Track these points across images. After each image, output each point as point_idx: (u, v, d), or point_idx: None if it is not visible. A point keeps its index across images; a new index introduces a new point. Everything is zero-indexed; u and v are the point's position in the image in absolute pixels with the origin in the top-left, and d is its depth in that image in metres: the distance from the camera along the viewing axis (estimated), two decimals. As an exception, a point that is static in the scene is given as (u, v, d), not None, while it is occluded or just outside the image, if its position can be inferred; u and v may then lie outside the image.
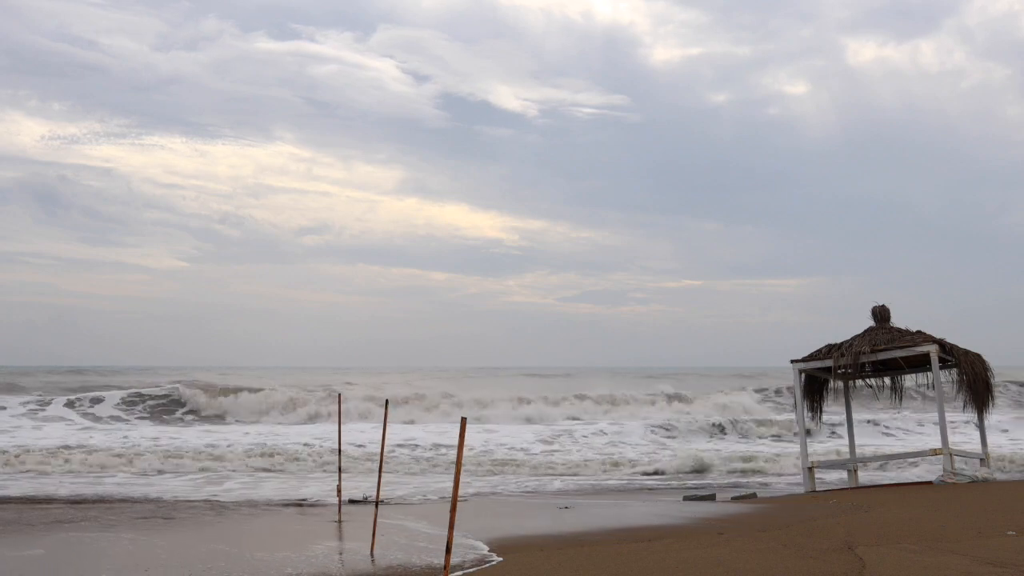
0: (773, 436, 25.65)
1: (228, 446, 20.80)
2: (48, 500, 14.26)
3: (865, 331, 15.08)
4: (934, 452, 14.58)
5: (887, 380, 16.72)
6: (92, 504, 13.70)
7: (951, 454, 14.04)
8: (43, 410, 28.59)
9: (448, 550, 4.97)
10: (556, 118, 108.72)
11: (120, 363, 76.09)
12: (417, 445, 21.95)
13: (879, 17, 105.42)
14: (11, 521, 11.63)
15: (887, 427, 26.28)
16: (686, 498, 13.94)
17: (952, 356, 14.49)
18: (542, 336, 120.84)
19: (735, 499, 13.80)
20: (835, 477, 16.94)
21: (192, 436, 23.77)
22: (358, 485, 15.08)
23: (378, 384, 44.54)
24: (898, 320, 15.19)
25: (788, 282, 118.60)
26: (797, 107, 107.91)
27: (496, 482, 17.25)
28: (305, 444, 21.04)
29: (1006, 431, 25.51)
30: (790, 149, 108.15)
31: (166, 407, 30.71)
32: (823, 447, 21.79)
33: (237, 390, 32.91)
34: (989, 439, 15.55)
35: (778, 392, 37.33)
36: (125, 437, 23.72)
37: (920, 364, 15.34)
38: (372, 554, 8.50)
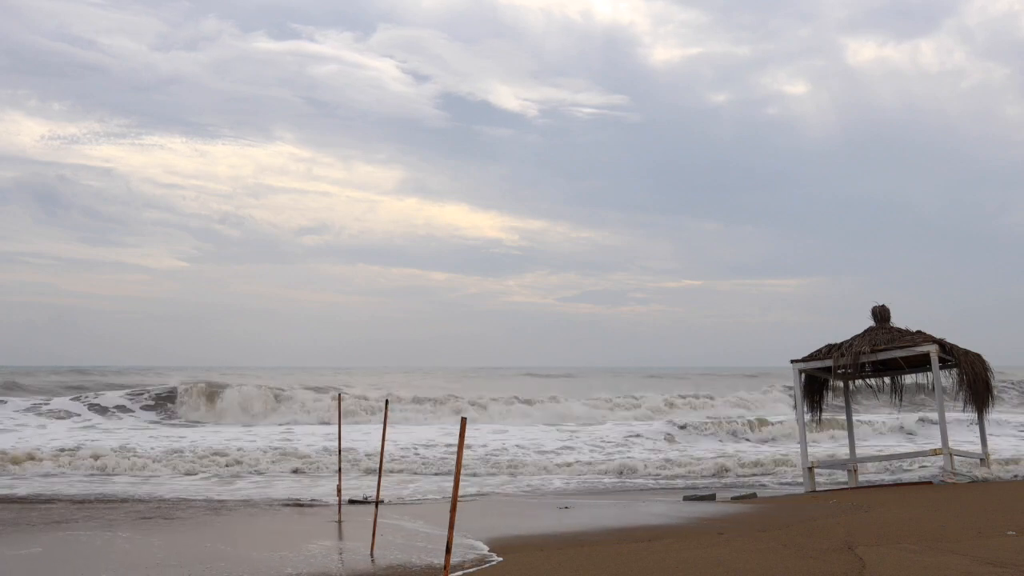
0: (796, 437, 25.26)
1: (239, 449, 20.80)
2: (50, 500, 14.26)
3: (865, 331, 15.08)
4: (934, 452, 14.58)
5: (887, 380, 16.72)
6: (93, 503, 13.70)
7: (951, 454, 14.04)
8: (45, 410, 28.59)
9: (448, 550, 4.97)
10: (556, 118, 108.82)
11: (120, 363, 76.17)
12: (434, 444, 21.91)
13: (879, 17, 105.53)
14: (10, 521, 11.64)
15: (910, 432, 25.86)
16: (686, 498, 13.94)
17: (952, 356, 14.50)
18: (542, 336, 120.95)
19: (735, 499, 13.80)
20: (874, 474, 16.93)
21: (196, 436, 23.77)
22: (380, 486, 15.06)
23: (389, 384, 44.62)
24: (898, 320, 15.20)
25: (788, 282, 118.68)
26: (797, 107, 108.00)
27: (498, 482, 17.26)
28: (324, 448, 21.05)
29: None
30: (790, 149, 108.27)
31: (169, 405, 30.66)
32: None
33: (244, 390, 33.01)
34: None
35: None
36: (129, 436, 23.74)
37: (920, 364, 15.34)
38: (372, 554, 8.50)
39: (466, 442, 21.05)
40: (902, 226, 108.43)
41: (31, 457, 18.78)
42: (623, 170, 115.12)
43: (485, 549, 8.63)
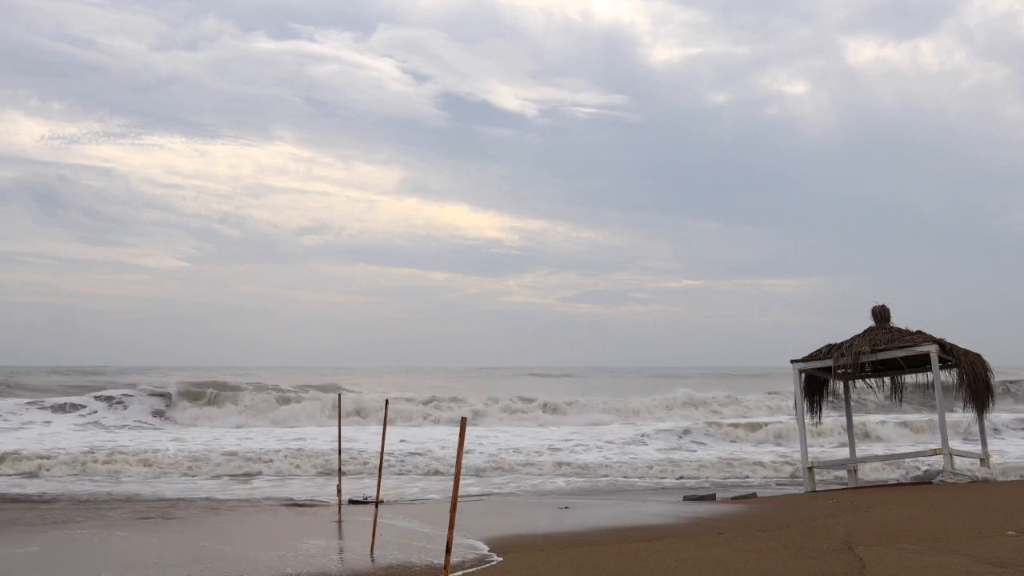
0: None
1: (258, 450, 20.77)
2: (50, 500, 14.25)
3: (865, 331, 15.08)
4: (934, 452, 14.58)
5: (887, 380, 16.72)
6: (93, 503, 13.69)
7: (951, 454, 14.04)
8: (47, 410, 28.58)
9: (448, 550, 4.97)
10: (556, 118, 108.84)
11: (120, 363, 76.17)
12: (446, 447, 21.82)
13: (879, 17, 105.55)
14: (10, 521, 11.64)
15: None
16: (686, 498, 13.94)
17: (952, 356, 14.49)
18: (542, 336, 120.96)
19: (735, 499, 13.81)
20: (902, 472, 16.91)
21: (203, 435, 23.78)
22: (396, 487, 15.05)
23: (392, 384, 44.51)
24: (898, 320, 15.20)
25: (788, 282, 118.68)
26: (797, 107, 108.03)
27: (500, 482, 17.26)
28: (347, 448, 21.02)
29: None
30: (790, 149, 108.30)
31: (174, 406, 30.57)
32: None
33: (250, 391, 32.93)
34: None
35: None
36: (140, 437, 23.74)
37: (920, 364, 15.34)
38: (372, 554, 8.50)
39: (504, 444, 21.08)
40: (902, 226, 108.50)
41: (42, 458, 18.66)
42: (623, 170, 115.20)
43: (485, 549, 8.63)
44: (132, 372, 57.02)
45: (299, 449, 20.51)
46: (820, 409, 16.35)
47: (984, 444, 15.36)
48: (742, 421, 27.07)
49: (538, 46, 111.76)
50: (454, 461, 18.75)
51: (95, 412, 28.89)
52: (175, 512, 12.50)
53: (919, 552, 7.65)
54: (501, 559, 8.07)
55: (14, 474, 17.54)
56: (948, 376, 14.93)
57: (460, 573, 7.39)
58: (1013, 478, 15.56)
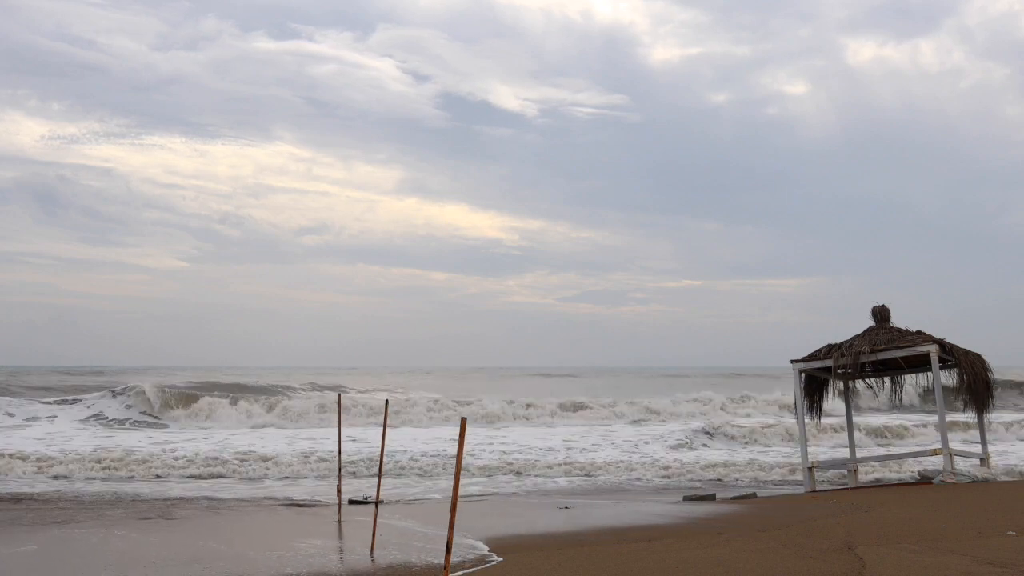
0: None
1: (270, 451, 20.71)
2: (50, 500, 14.25)
3: (865, 331, 15.08)
4: (934, 452, 14.58)
5: (887, 380, 16.72)
6: (94, 503, 13.69)
7: (951, 454, 14.04)
8: (47, 410, 28.58)
9: (448, 550, 4.97)
10: (556, 118, 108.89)
11: (120, 363, 76.18)
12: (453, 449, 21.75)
13: (879, 17, 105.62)
14: (9, 520, 11.64)
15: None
16: (686, 498, 13.94)
17: (952, 356, 14.49)
18: (542, 336, 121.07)
19: (735, 499, 13.81)
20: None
21: (219, 437, 23.75)
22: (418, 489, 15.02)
23: (397, 384, 44.40)
24: (898, 320, 15.20)
25: (788, 282, 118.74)
26: (797, 107, 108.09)
27: (505, 480, 17.26)
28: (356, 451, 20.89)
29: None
30: (790, 149, 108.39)
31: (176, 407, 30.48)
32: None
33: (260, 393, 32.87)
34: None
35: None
36: (141, 438, 23.72)
37: (920, 364, 15.35)
38: (372, 554, 8.50)
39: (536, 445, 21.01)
40: (902, 226, 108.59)
41: (40, 460, 18.66)
42: (623, 170, 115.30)
43: (485, 549, 8.63)
44: (132, 372, 57.01)
45: (310, 451, 20.42)
46: (820, 409, 16.35)
47: (984, 444, 15.36)
48: (756, 422, 26.84)
49: (538, 46, 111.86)
50: (482, 462, 18.89)
51: (93, 411, 28.86)
52: (175, 512, 12.50)
53: (919, 552, 7.65)
54: (501, 559, 8.07)
55: (10, 475, 17.53)
56: (948, 376, 14.93)
57: (460, 573, 7.39)
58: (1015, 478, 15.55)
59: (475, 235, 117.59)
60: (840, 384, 16.23)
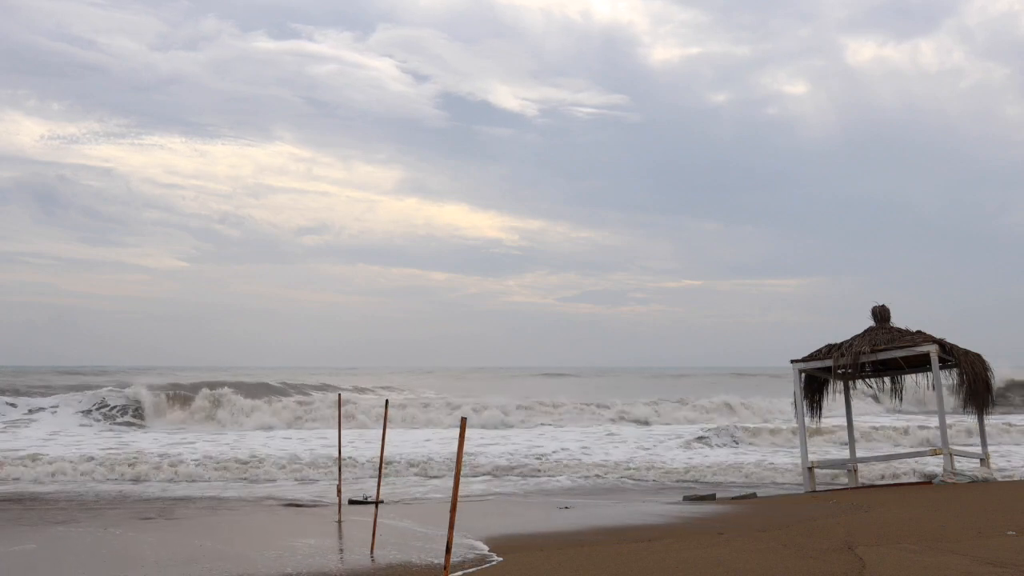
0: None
1: (276, 452, 20.65)
2: (50, 499, 14.26)
3: (865, 331, 15.08)
4: (934, 452, 14.57)
5: (887, 380, 16.71)
6: (95, 502, 13.70)
7: (951, 454, 14.03)
8: (50, 409, 28.56)
9: (448, 550, 4.97)
10: (556, 118, 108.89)
11: (120, 363, 76.19)
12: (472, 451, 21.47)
13: (878, 17, 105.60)
14: (10, 520, 11.65)
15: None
16: (686, 498, 13.94)
17: (952, 356, 14.49)
18: (542, 336, 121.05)
19: (735, 499, 13.80)
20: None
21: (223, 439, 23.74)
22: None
23: (407, 385, 44.24)
24: (898, 320, 15.19)
25: (788, 282, 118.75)
26: (797, 107, 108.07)
27: (503, 482, 17.26)
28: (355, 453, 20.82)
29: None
30: (790, 149, 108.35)
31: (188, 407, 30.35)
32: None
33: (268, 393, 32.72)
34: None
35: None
36: (146, 439, 23.72)
37: (920, 364, 15.34)
38: (372, 553, 8.51)
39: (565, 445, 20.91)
40: (902, 226, 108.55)
41: (32, 458, 18.68)
42: (623, 170, 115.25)
43: (485, 549, 8.63)
44: (132, 372, 57.02)
45: (313, 450, 20.45)
46: (820, 409, 16.34)
47: (984, 444, 15.35)
48: (766, 425, 26.64)
49: (538, 46, 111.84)
50: (487, 462, 18.88)
51: (93, 410, 28.83)
52: (175, 512, 12.50)
53: (919, 552, 7.65)
54: (501, 559, 8.07)
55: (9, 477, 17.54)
56: (948, 376, 14.92)
57: (460, 573, 7.39)
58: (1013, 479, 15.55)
59: (475, 235, 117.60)
60: (840, 384, 16.23)
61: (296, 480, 17.38)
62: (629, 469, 18.81)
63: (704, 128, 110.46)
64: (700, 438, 23.97)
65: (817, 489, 14.83)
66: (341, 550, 9.14)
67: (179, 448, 21.16)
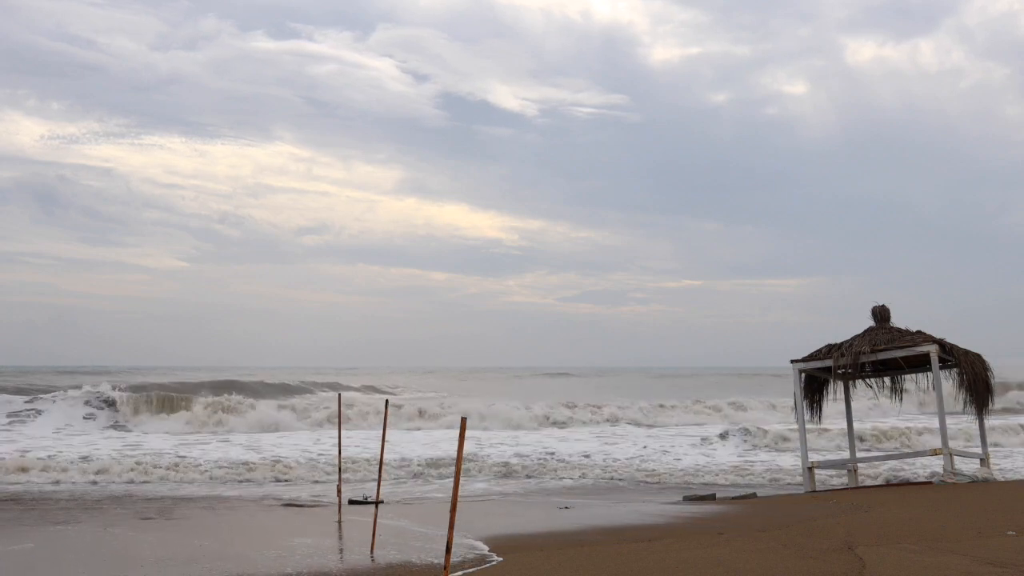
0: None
1: (285, 453, 20.61)
2: (50, 499, 14.26)
3: (865, 331, 15.07)
4: (934, 452, 14.57)
5: (887, 380, 16.71)
6: (96, 502, 13.70)
7: (951, 454, 14.03)
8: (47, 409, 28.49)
9: (448, 550, 4.97)
10: (556, 118, 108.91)
11: (120, 363, 76.18)
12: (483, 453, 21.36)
13: (878, 17, 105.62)
14: (11, 520, 11.64)
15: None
16: (686, 498, 13.94)
17: (952, 356, 14.48)
18: (542, 336, 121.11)
19: (735, 499, 13.80)
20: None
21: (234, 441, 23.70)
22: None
23: (409, 385, 43.99)
24: (898, 320, 15.19)
25: (788, 282, 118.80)
26: (796, 107, 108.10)
27: (504, 482, 17.27)
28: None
29: None
30: (790, 149, 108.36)
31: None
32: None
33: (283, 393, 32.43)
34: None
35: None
36: (153, 440, 23.68)
37: (920, 364, 15.33)
38: (372, 553, 8.50)
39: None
40: (902, 226, 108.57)
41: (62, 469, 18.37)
42: (623, 170, 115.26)
43: (485, 549, 8.62)
44: (131, 372, 56.97)
45: (321, 453, 20.44)
46: (820, 409, 16.33)
47: (984, 444, 15.35)
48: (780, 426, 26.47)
49: (537, 46, 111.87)
50: (504, 460, 18.89)
51: (89, 411, 28.75)
52: (175, 511, 12.50)
53: (919, 552, 7.65)
54: (501, 559, 8.07)
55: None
56: (948, 376, 14.92)
57: (460, 573, 7.39)
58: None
59: (475, 235, 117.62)
60: (840, 384, 16.22)
61: (297, 480, 17.37)
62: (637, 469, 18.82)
63: (704, 128, 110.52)
64: (721, 436, 23.86)
65: (817, 489, 14.83)
66: (341, 550, 9.14)
67: (180, 448, 21.16)
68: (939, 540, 8.24)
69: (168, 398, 30.30)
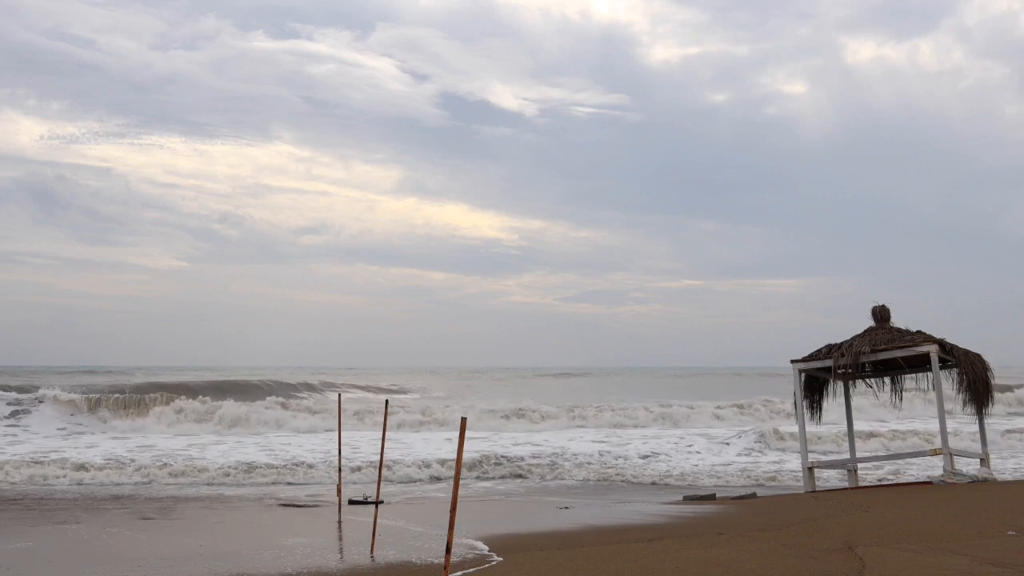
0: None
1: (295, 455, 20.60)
2: (49, 499, 14.26)
3: (865, 331, 15.07)
4: (934, 452, 14.56)
5: (887, 380, 16.70)
6: (98, 502, 13.70)
7: (951, 454, 14.03)
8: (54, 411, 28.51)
9: (448, 550, 4.97)
10: (555, 117, 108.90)
11: (120, 363, 76.16)
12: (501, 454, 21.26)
13: (877, 16, 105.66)
14: (10, 519, 11.64)
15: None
16: (686, 498, 13.94)
17: (952, 356, 14.48)
18: (541, 336, 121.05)
19: (735, 499, 13.80)
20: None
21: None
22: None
23: (411, 385, 43.88)
24: (898, 320, 15.19)
25: (788, 282, 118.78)
26: (796, 106, 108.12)
27: (506, 482, 17.27)
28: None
29: None
30: (789, 149, 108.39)
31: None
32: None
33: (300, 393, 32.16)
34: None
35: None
36: (156, 441, 23.69)
37: (920, 364, 15.33)
38: (372, 553, 8.51)
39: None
40: (902, 226, 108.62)
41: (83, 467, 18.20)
42: (622, 170, 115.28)
43: (485, 549, 8.62)
44: (129, 372, 56.96)
45: (327, 453, 20.44)
46: (820, 409, 16.33)
47: (984, 444, 15.35)
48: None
49: (536, 45, 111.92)
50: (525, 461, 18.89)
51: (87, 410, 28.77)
52: (176, 511, 12.50)
53: (919, 552, 7.65)
54: (501, 559, 8.06)
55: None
56: (948, 376, 14.91)
57: (460, 573, 7.39)
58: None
59: (474, 235, 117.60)
60: (840, 384, 16.22)
61: (297, 480, 17.37)
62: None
63: (703, 128, 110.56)
64: (733, 438, 23.72)
65: (817, 489, 14.83)
66: (341, 550, 9.14)
67: (179, 449, 21.16)
68: (939, 540, 8.24)
69: (162, 397, 30.38)
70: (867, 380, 16.53)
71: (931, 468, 17.26)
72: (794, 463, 19.70)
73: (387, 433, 8.84)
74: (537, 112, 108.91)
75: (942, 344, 14.35)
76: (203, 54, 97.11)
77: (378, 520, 9.29)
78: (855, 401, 16.98)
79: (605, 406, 32.26)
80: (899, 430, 24.61)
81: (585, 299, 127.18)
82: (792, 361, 15.39)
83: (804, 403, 15.75)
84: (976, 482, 13.84)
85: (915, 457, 16.85)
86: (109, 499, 14.37)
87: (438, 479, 17.70)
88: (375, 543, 8.81)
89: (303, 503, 13.71)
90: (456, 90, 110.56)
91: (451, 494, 8.76)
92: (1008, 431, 24.33)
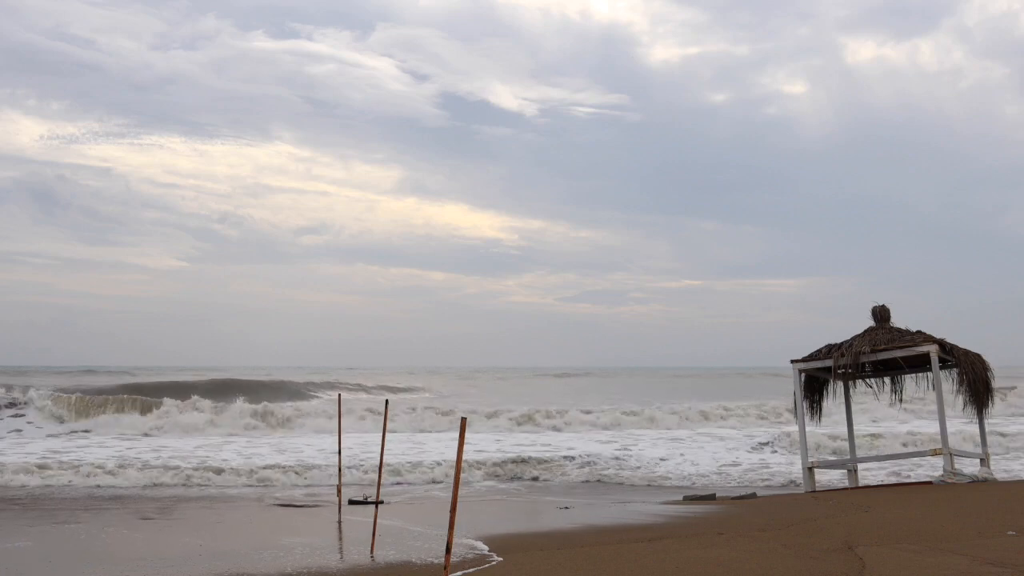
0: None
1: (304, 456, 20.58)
2: (49, 498, 14.26)
3: (865, 331, 15.07)
4: (934, 452, 14.56)
5: (887, 380, 16.70)
6: (98, 502, 13.70)
7: (951, 454, 14.03)
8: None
9: (448, 550, 4.97)
10: (555, 117, 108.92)
11: (120, 363, 76.15)
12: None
13: (877, 16, 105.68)
14: (9, 518, 11.64)
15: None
16: (686, 498, 13.94)
17: (952, 356, 14.48)
18: (541, 336, 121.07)
19: (735, 499, 13.80)
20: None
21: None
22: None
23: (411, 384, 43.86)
24: (898, 320, 15.18)
25: (788, 282, 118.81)
26: (796, 106, 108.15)
27: (497, 482, 17.27)
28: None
29: None
30: (789, 149, 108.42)
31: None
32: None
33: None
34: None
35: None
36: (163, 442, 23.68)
37: (920, 364, 15.33)
38: (372, 553, 8.51)
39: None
40: (902, 226, 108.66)
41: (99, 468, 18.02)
42: (622, 170, 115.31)
43: (485, 549, 8.62)
44: (130, 372, 56.96)
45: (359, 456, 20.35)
46: (820, 409, 16.33)
47: (984, 444, 15.35)
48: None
49: (537, 45, 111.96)
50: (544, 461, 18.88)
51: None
52: (175, 511, 12.50)
53: (919, 552, 7.65)
54: (501, 559, 8.06)
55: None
56: (948, 376, 14.90)
57: (460, 573, 7.39)
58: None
59: (474, 235, 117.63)
60: (840, 384, 16.22)
61: (298, 480, 17.36)
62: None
63: (703, 128, 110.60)
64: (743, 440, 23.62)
65: (817, 489, 14.82)
66: (341, 550, 9.15)
67: (180, 449, 21.16)
68: (939, 540, 8.24)
69: (161, 398, 30.23)
70: (867, 380, 16.53)
71: (931, 468, 17.24)
72: (798, 464, 19.67)
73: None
74: (537, 112, 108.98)
75: (942, 344, 14.35)
76: (203, 54, 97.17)
77: (378, 520, 9.29)
78: (861, 402, 16.94)
79: (607, 407, 32.20)
80: (910, 432, 24.48)
81: (585, 299, 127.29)
82: (792, 361, 15.38)
83: (804, 403, 15.75)
84: (976, 482, 13.84)
85: (915, 457, 16.84)
86: (109, 499, 14.37)
87: (438, 481, 17.71)
88: (375, 543, 8.81)
89: (303, 503, 13.71)
90: (456, 90, 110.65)
91: (451, 494, 8.77)
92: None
